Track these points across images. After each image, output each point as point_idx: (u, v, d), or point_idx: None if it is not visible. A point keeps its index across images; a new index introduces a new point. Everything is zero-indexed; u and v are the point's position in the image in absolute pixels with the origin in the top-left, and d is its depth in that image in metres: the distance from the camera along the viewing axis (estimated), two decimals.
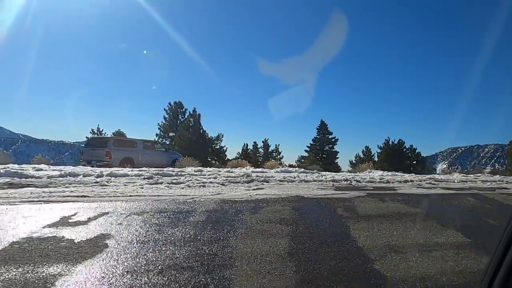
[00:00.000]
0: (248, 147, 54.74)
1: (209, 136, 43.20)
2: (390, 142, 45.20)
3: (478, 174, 11.77)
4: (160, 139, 39.10)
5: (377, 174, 10.15)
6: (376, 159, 45.85)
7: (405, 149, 45.46)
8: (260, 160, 45.82)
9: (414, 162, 45.55)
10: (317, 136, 34.87)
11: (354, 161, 48.03)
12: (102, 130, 50.77)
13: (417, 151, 45.60)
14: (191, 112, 34.24)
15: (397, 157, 44.40)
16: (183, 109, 38.59)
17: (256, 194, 5.43)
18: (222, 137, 44.06)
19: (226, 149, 44.45)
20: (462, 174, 12.16)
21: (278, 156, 46.24)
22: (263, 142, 50.25)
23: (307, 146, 35.24)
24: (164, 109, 37.06)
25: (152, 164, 14.10)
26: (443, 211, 4.90)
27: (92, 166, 12.15)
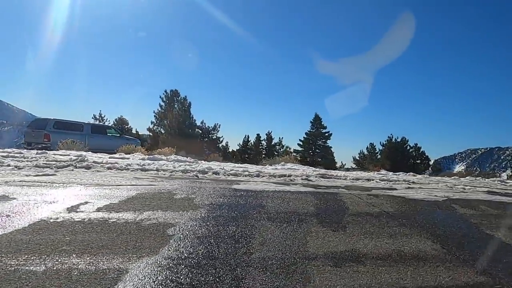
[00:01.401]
0: (250, 139, 54.19)
1: (206, 126, 42.96)
2: (393, 140, 43.30)
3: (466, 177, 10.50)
4: (155, 127, 39.01)
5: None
6: (379, 156, 44.27)
7: (408, 147, 43.43)
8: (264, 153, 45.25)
9: (418, 161, 43.51)
10: (311, 130, 33.68)
11: (357, 158, 46.64)
12: (104, 116, 51.66)
13: (421, 149, 43.48)
14: (182, 100, 33.79)
15: (399, 155, 42.55)
16: (179, 97, 38.25)
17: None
18: (219, 127, 43.63)
19: (222, 140, 44.04)
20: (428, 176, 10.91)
21: (282, 150, 45.25)
22: (266, 134, 49.33)
23: (300, 140, 34.15)
24: (160, 97, 36.81)
25: (102, 150, 13.76)
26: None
27: (32, 149, 11.92)
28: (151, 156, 8.61)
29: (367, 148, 46.61)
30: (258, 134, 51.07)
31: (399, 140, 42.83)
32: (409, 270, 2.30)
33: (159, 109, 39.52)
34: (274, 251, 2.41)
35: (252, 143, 51.67)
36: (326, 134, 33.57)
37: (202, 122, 43.14)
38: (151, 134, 39.43)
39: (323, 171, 7.94)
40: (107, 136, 15.75)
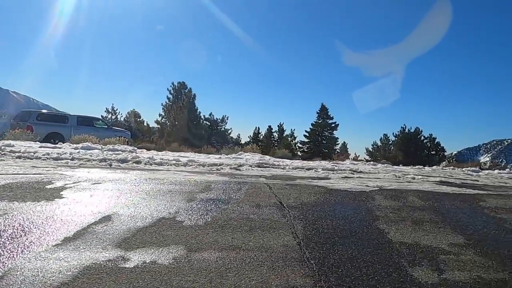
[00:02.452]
0: (260, 131, 53.72)
1: (214, 118, 42.95)
2: (406, 130, 41.61)
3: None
4: (163, 119, 39.36)
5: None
6: (392, 147, 42.80)
7: (422, 138, 41.64)
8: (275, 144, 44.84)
9: (433, 152, 41.67)
10: (317, 121, 32.84)
11: (371, 149, 45.29)
12: (117, 109, 52.64)
13: (436, 140, 41.55)
14: (186, 92, 33.76)
15: (413, 146, 40.91)
16: (186, 90, 38.28)
17: None
18: (227, 119, 43.55)
19: (231, 131, 43.99)
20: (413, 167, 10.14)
21: (294, 141, 44.61)
22: (278, 126, 48.73)
23: (306, 131, 33.41)
24: (167, 89, 36.94)
25: None
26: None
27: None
28: (85, 145, 8.47)
29: (380, 139, 45.21)
30: (269, 126, 50.50)
31: (412, 130, 41.11)
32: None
33: (167, 102, 39.72)
34: None
35: (263, 135, 51.29)
36: (333, 125, 32.62)
37: (210, 114, 43.10)
38: (159, 126, 39.82)
39: (268, 160, 7.48)
40: (94, 128, 15.84)
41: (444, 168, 9.05)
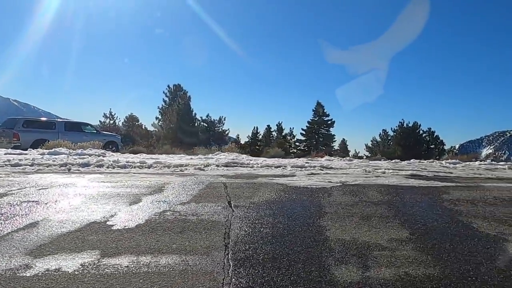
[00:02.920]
0: (259, 131, 53.49)
1: (211, 119, 42.81)
2: (405, 125, 41.30)
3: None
4: (160, 122, 39.36)
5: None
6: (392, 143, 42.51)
7: (421, 132, 41.34)
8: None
9: (432, 146, 41.35)
10: (313, 119, 32.68)
11: (370, 145, 45.04)
12: (115, 114, 52.65)
13: (435, 134, 41.22)
14: (181, 94, 33.72)
15: (412, 140, 40.62)
16: (182, 92, 38.21)
17: None
18: (224, 119, 43.38)
19: (228, 132, 43.79)
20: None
21: (293, 140, 44.38)
22: (277, 125, 48.44)
23: (303, 129, 33.25)
24: (163, 92, 36.91)
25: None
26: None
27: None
28: (53, 151, 8.39)
29: (379, 134, 44.94)
30: (268, 125, 50.18)
31: (410, 125, 40.79)
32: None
33: (163, 104, 39.64)
34: None
35: (262, 134, 51.06)
36: (329, 122, 32.45)
37: (207, 116, 42.96)
38: (156, 129, 39.82)
39: (240, 159, 7.35)
40: (83, 133, 15.79)
41: (439, 160, 8.87)
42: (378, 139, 44.80)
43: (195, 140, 32.18)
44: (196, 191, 4.11)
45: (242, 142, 49.27)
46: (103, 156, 7.37)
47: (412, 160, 9.51)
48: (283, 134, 48.23)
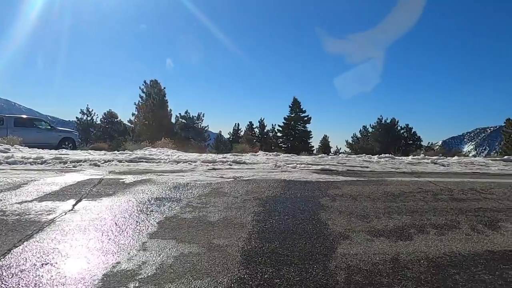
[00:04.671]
0: (240, 127, 53.09)
1: (190, 116, 42.22)
2: (383, 121, 41.65)
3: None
4: (136, 119, 38.56)
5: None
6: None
7: (399, 128, 41.77)
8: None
9: (410, 142, 41.84)
10: (290, 115, 32.51)
11: (351, 142, 45.26)
12: (92, 110, 51.61)
13: (412, 130, 41.74)
14: (157, 90, 33.08)
15: (390, 136, 41.02)
16: (157, 88, 37.40)
17: None
18: (203, 116, 42.84)
19: (207, 128, 43.25)
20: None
21: (277, 136, 44.10)
22: (259, 122, 48.04)
23: (279, 126, 33.07)
24: (140, 88, 36.05)
25: (30, 144, 13.26)
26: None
27: None
28: None
29: (360, 131, 45.21)
30: (250, 122, 49.69)
31: (388, 121, 41.15)
32: None
33: (140, 100, 38.86)
34: None
35: (244, 131, 50.63)
36: (305, 118, 32.34)
37: (186, 112, 42.38)
38: (132, 126, 39.12)
39: (155, 155, 7.03)
40: (35, 129, 15.19)
41: (382, 157, 8.72)
42: (359, 135, 45.17)
43: (170, 136, 31.66)
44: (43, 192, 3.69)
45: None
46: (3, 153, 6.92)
47: (341, 155, 9.39)
48: (265, 130, 48.09)
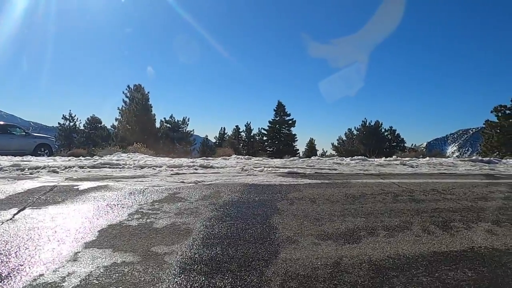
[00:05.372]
0: (226, 132, 52.86)
1: (175, 120, 41.80)
2: (367, 124, 42.21)
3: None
4: (119, 124, 37.87)
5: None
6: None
7: (383, 130, 42.41)
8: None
9: (394, 144, 42.51)
10: (274, 118, 32.54)
11: (336, 144, 45.62)
12: (75, 115, 50.60)
13: (396, 132, 42.43)
14: (141, 95, 32.64)
15: (374, 139, 41.55)
16: (140, 93, 36.82)
17: None
18: (188, 120, 42.47)
19: (193, 133, 42.87)
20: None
21: (263, 140, 44.01)
22: (245, 125, 47.85)
23: (264, 129, 33.06)
24: (123, 92, 35.38)
25: (4, 151, 12.83)
26: None
27: None
28: None
29: (345, 133, 45.68)
30: (237, 126, 49.48)
31: (373, 124, 41.72)
32: None
33: (123, 105, 38.23)
34: None
35: (230, 135, 50.40)
36: (290, 122, 32.45)
37: (171, 116, 41.97)
38: (115, 131, 38.46)
39: (120, 161, 6.87)
40: (9, 136, 14.75)
41: (356, 159, 8.75)
42: (344, 138, 45.64)
43: (154, 141, 31.25)
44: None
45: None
46: None
47: (313, 158, 9.43)
48: (252, 134, 47.98)
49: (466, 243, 2.55)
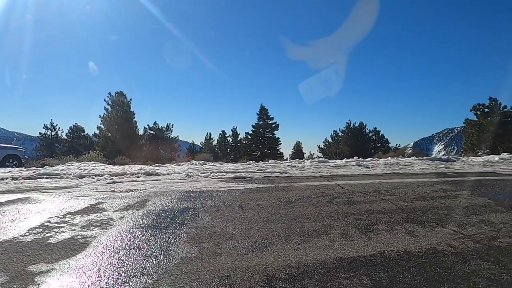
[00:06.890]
0: (212, 137, 52.40)
1: (159, 127, 41.26)
2: (351, 125, 42.48)
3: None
4: (100, 132, 37.12)
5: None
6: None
7: (368, 131, 42.73)
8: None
9: (379, 145, 42.85)
10: (258, 122, 32.42)
11: (322, 146, 45.73)
12: (57, 124, 49.45)
13: (380, 133, 42.79)
14: (122, 102, 32.11)
15: (359, 140, 41.83)
16: (121, 100, 36.18)
17: None
18: (172, 127, 41.99)
19: (177, 139, 42.39)
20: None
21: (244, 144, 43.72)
22: (232, 130, 47.53)
23: (247, 133, 32.90)
24: (104, 100, 34.66)
25: None
26: None
27: None
28: None
29: (331, 135, 45.84)
30: (223, 131, 49.14)
31: (357, 125, 42.00)
32: None
33: (105, 113, 37.55)
34: None
35: (216, 140, 49.99)
36: (273, 125, 32.39)
37: (155, 123, 41.41)
38: (97, 139, 37.77)
39: (64, 170, 6.60)
40: None
41: (335, 162, 8.64)
42: (330, 140, 45.81)
43: (135, 148, 30.75)
44: None
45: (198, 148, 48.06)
46: None
47: (270, 161, 9.34)
48: (238, 138, 47.68)
49: (380, 247, 2.43)
